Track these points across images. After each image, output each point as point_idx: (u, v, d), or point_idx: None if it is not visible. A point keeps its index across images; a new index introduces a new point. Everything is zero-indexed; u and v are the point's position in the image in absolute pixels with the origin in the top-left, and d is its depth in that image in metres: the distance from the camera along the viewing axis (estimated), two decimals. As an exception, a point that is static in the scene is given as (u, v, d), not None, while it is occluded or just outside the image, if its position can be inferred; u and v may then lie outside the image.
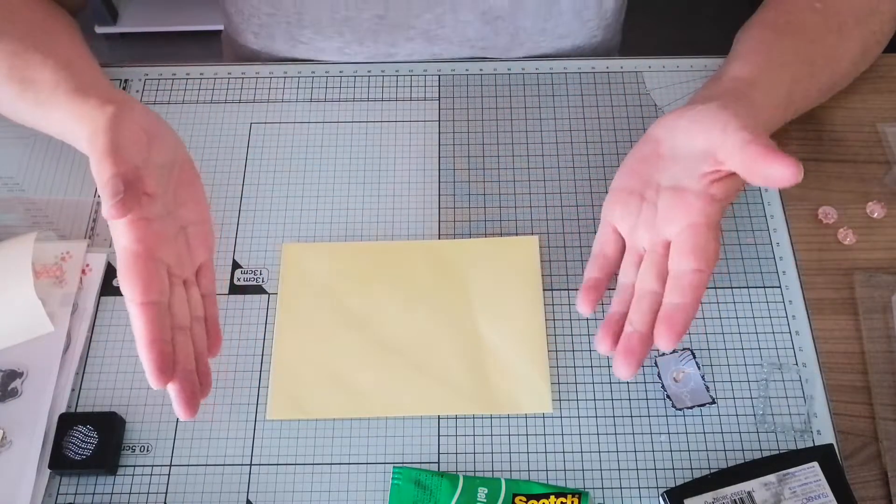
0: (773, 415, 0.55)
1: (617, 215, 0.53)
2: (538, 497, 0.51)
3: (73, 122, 0.51)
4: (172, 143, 0.51)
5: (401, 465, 0.53)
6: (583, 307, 0.51)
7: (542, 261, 0.60)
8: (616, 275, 0.52)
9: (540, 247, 0.61)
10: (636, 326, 0.49)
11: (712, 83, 0.58)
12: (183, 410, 0.46)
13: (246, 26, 0.72)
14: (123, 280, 0.45)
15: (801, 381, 0.56)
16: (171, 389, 0.46)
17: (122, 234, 0.46)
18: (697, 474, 0.52)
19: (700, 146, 0.50)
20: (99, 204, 0.63)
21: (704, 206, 0.49)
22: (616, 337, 0.49)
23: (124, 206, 0.44)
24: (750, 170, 0.48)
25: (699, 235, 0.49)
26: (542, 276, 0.60)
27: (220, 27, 0.86)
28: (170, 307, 0.47)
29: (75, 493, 0.53)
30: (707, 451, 0.54)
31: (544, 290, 0.59)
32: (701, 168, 0.50)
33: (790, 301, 0.59)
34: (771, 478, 0.50)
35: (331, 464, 0.54)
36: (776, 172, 0.46)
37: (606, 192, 0.63)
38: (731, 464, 0.52)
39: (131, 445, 0.54)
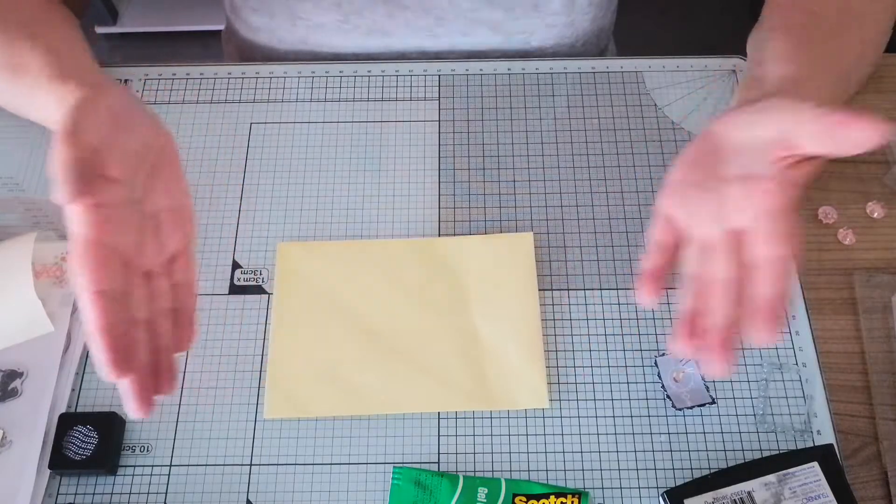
0: (773, 415, 0.55)
1: (675, 207, 0.50)
2: (538, 497, 0.51)
3: (54, 106, 0.49)
4: (150, 129, 0.49)
5: (401, 465, 0.53)
6: (646, 299, 0.49)
7: (541, 261, 0.60)
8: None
9: (539, 246, 0.61)
10: (726, 317, 0.46)
11: (755, 86, 0.55)
12: (134, 407, 0.43)
13: (245, 1, 0.71)
14: (74, 267, 0.43)
15: (801, 381, 0.56)
16: (121, 385, 0.43)
17: (75, 220, 0.44)
18: (697, 474, 0.52)
19: (770, 135, 0.48)
20: (99, 204, 0.63)
21: (783, 190, 0.47)
22: (695, 334, 0.46)
23: (75, 190, 0.42)
24: (832, 139, 0.46)
25: (781, 221, 0.46)
26: (542, 275, 0.60)
27: (220, 27, 0.86)
28: (127, 300, 0.45)
29: (75, 493, 0.53)
30: (707, 451, 0.54)
31: (544, 290, 0.59)
32: (773, 154, 0.48)
33: (790, 301, 0.59)
34: (771, 478, 0.50)
35: (331, 464, 0.54)
36: (860, 135, 0.45)
37: (606, 193, 0.63)
38: (731, 464, 0.52)
39: (131, 445, 0.54)
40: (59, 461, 0.52)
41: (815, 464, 0.51)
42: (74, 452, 0.52)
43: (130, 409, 0.43)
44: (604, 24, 0.79)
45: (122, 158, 0.46)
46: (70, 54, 0.54)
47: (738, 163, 0.49)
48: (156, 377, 0.45)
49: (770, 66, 0.56)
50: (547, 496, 0.51)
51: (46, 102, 0.51)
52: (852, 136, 0.45)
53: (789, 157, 0.48)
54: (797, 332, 0.57)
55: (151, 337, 0.46)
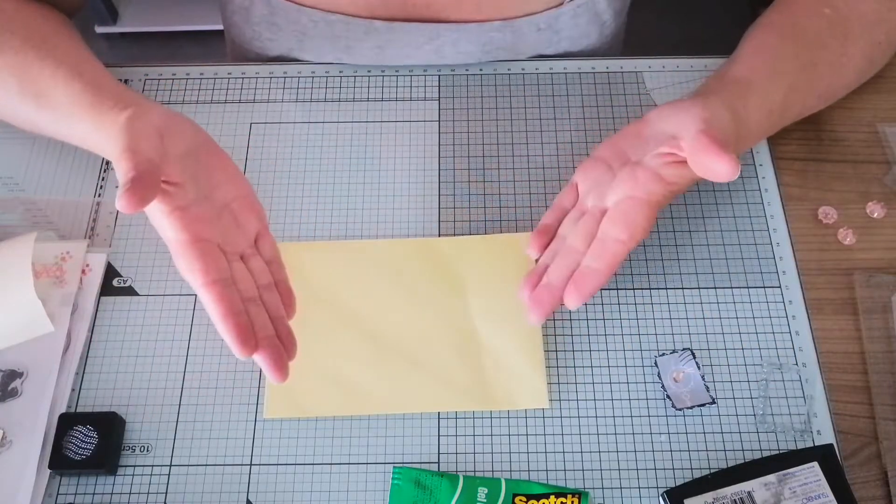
0: (773, 415, 0.55)
1: (581, 177, 0.56)
2: (538, 497, 0.51)
3: (96, 135, 0.52)
4: (190, 132, 0.52)
5: (401, 465, 0.53)
6: (531, 248, 0.57)
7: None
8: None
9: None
10: (551, 279, 0.53)
11: (713, 80, 0.59)
12: (273, 375, 0.48)
13: (248, 48, 0.72)
14: (182, 268, 0.48)
15: (801, 381, 0.56)
16: (258, 358, 0.48)
17: (166, 228, 0.48)
18: (697, 474, 0.52)
19: (670, 129, 0.52)
20: (99, 204, 0.63)
21: (649, 183, 0.52)
22: (537, 283, 0.54)
23: (134, 195, 0.45)
24: (694, 158, 0.50)
25: (633, 208, 0.51)
26: (542, 276, 0.60)
27: (220, 27, 0.86)
28: (234, 283, 0.49)
29: (75, 493, 0.53)
30: (707, 451, 0.54)
31: (544, 290, 0.59)
32: (662, 149, 0.51)
33: (790, 301, 0.59)
34: (771, 478, 0.50)
35: (331, 464, 0.54)
36: (714, 166, 0.49)
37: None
38: (731, 464, 0.52)
39: (131, 445, 0.54)
40: (59, 461, 0.52)
41: (815, 464, 0.51)
42: (74, 452, 0.52)
43: (270, 377, 0.48)
44: (614, 54, 0.80)
45: (177, 163, 0.49)
46: (94, 75, 0.55)
47: (642, 150, 0.54)
48: (282, 344, 0.49)
49: (731, 64, 0.60)
50: (547, 496, 0.51)
51: (87, 132, 0.53)
52: (707, 163, 0.50)
53: (671, 155, 0.51)
54: (797, 332, 0.57)
55: (265, 310, 0.50)
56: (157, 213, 0.48)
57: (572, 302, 0.51)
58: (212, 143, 0.53)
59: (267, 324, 0.49)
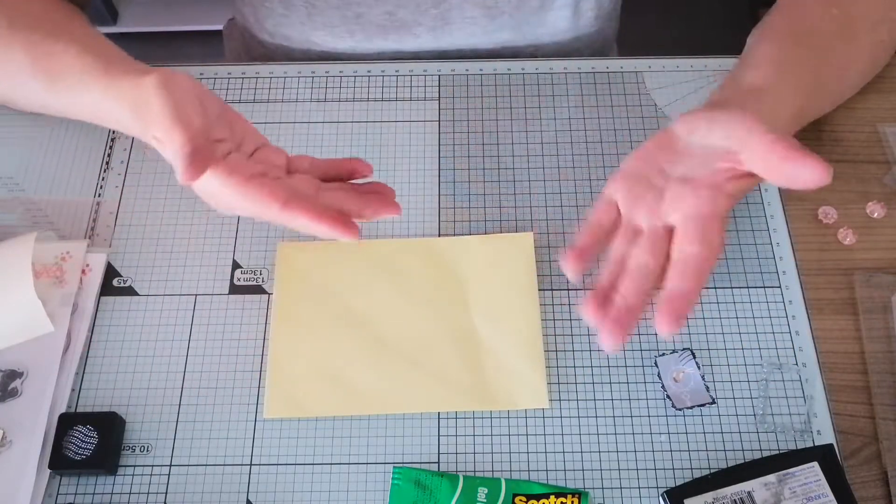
0: (773, 415, 0.55)
1: (620, 193, 0.52)
2: (538, 497, 0.51)
3: (108, 102, 0.52)
4: (215, 97, 0.52)
5: (401, 465, 0.53)
6: (571, 269, 0.51)
7: (541, 261, 0.60)
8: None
9: (539, 246, 0.61)
10: (628, 302, 0.49)
11: (729, 88, 0.58)
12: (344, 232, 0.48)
13: (261, 27, 0.73)
14: (250, 210, 0.49)
15: (801, 381, 0.56)
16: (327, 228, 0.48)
17: (209, 179, 0.48)
18: (697, 474, 0.52)
19: (720, 144, 0.51)
20: (99, 204, 0.63)
21: (716, 199, 0.50)
22: (602, 307, 0.49)
23: (195, 168, 0.46)
24: (776, 169, 0.49)
25: (707, 224, 0.49)
26: (542, 276, 0.60)
27: (220, 27, 0.86)
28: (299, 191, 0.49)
29: (75, 493, 0.53)
30: (707, 451, 0.54)
31: (544, 290, 0.59)
32: (717, 164, 0.50)
33: (790, 301, 0.59)
34: (771, 478, 0.50)
35: (331, 464, 0.54)
36: (804, 173, 0.48)
37: (607, 193, 0.63)
38: (731, 464, 0.53)
39: (131, 445, 0.54)
40: (59, 461, 0.52)
41: (815, 464, 0.51)
42: (74, 452, 0.52)
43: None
44: (608, 34, 0.80)
45: (217, 124, 0.50)
46: (106, 49, 0.55)
47: (685, 164, 0.52)
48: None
49: (745, 70, 0.59)
50: (547, 496, 0.51)
51: (97, 100, 0.53)
52: (795, 172, 0.48)
53: (731, 170, 0.50)
54: (797, 332, 0.57)
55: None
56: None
57: (669, 326, 0.47)
58: (223, 103, 0.53)
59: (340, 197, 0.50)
